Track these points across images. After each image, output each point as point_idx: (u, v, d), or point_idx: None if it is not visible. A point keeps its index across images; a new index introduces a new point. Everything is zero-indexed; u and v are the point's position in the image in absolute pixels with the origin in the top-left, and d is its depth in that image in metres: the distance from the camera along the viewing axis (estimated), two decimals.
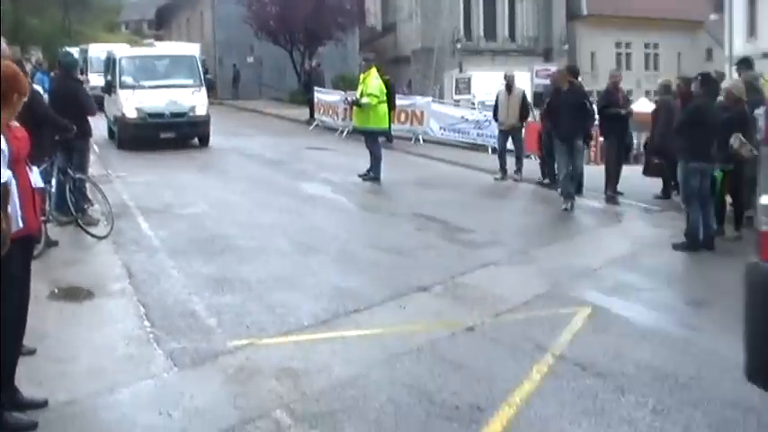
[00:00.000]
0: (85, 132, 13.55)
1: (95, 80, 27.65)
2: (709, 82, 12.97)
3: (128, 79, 24.62)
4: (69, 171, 12.66)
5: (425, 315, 9.04)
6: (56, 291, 9.79)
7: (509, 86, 20.63)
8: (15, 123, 5.98)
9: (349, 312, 9.08)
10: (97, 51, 38.19)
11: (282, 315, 8.94)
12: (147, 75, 25.16)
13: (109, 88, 25.33)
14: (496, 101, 21.24)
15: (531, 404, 6.71)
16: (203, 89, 25.47)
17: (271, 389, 6.93)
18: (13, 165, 5.73)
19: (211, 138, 24.92)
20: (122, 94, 24.11)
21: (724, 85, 14.08)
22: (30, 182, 6.16)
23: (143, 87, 24.42)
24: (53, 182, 12.21)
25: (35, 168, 6.31)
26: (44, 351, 7.55)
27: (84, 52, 40.29)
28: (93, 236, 12.55)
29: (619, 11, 63.78)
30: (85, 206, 13.27)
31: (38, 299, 8.30)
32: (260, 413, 6.46)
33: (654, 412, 6.63)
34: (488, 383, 7.12)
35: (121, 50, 27.20)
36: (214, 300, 9.46)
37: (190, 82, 25.31)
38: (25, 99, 5.99)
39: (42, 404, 6.45)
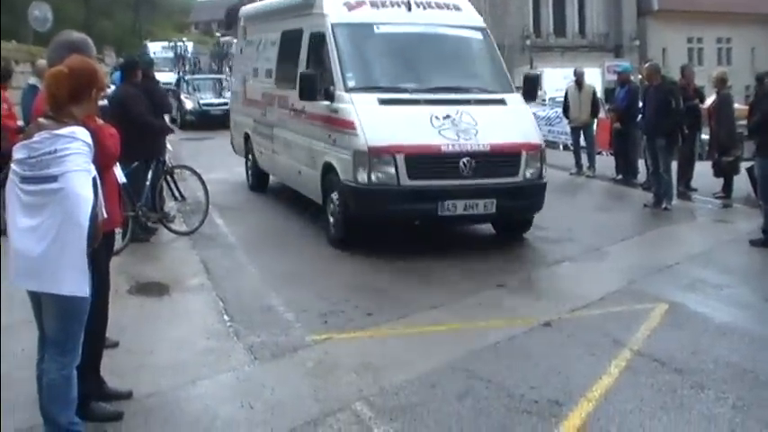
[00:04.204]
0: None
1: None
2: None
3: None
4: (162, 164, 12.90)
5: (502, 311, 9.03)
6: (135, 286, 9.96)
7: (579, 83, 20.55)
8: (101, 121, 6.09)
9: (426, 308, 9.12)
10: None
11: (359, 310, 9.01)
12: None
13: None
14: (566, 97, 21.16)
15: (609, 399, 6.68)
16: None
17: (350, 382, 6.99)
18: (111, 161, 5.89)
19: None
20: None
21: None
22: (116, 178, 6.30)
23: None
24: (149, 177, 12.48)
25: (116, 164, 6.43)
26: (126, 344, 7.69)
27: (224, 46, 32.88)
28: (176, 232, 12.84)
29: (690, 5, 62.97)
30: (178, 198, 13.49)
31: (118, 293, 8.48)
32: (340, 406, 6.52)
33: (734, 408, 6.57)
34: (567, 378, 7.11)
35: None
36: (291, 294, 9.56)
37: None
38: (102, 94, 6.13)
39: (127, 395, 6.58)
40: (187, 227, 13.21)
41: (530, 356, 7.64)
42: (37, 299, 5.43)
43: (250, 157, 17.33)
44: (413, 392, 6.78)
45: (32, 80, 13.54)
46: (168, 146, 14.02)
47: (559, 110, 24.37)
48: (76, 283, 5.17)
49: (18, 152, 5.24)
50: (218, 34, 39.77)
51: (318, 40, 13.04)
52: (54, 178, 5.12)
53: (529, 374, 7.19)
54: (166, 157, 13.22)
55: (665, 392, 6.83)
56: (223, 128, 27.07)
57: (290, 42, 14.62)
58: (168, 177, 13.07)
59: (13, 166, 5.27)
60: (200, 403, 6.69)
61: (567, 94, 21.14)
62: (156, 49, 46.88)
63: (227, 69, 35.85)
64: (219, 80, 33.88)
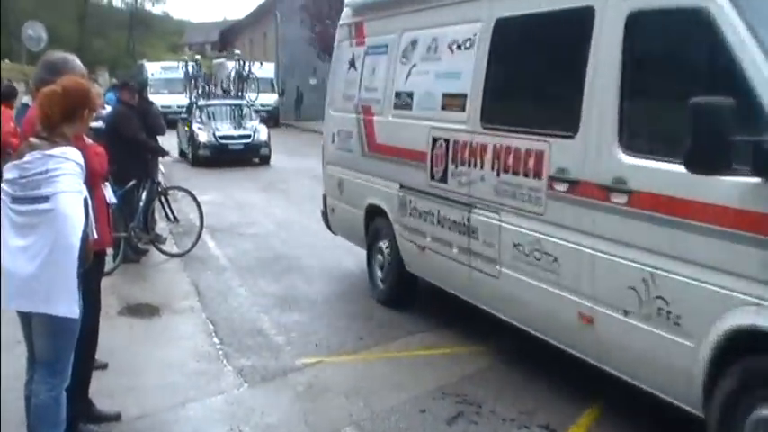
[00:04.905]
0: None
1: None
2: None
3: None
4: (156, 185, 12.90)
5: (493, 335, 8.99)
6: (126, 307, 9.94)
7: None
8: (89, 140, 6.09)
9: (416, 332, 9.11)
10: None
11: (350, 334, 9.01)
12: None
13: None
14: None
15: (601, 424, 6.67)
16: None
17: (340, 406, 6.97)
18: (96, 180, 5.87)
19: (274, 158, 27.09)
20: None
21: None
22: (105, 197, 6.28)
23: None
24: (143, 198, 12.50)
25: (107, 184, 6.42)
26: (116, 366, 7.66)
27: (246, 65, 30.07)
28: (167, 254, 12.85)
29: None
30: (171, 219, 13.49)
31: (108, 315, 8.42)
32: (330, 430, 6.51)
33: None
34: (558, 403, 7.07)
35: None
36: (281, 318, 9.56)
37: None
38: (95, 114, 6.14)
39: (115, 417, 6.56)
40: (179, 248, 13.19)
41: (521, 380, 7.60)
42: (27, 319, 5.40)
43: (383, 248, 10.08)
44: (403, 417, 6.75)
45: (26, 99, 13.56)
46: (161, 167, 14.02)
47: None
48: (68, 305, 5.14)
49: (9, 172, 5.22)
50: (238, 52, 35.98)
51: (668, 32, 5.66)
52: (45, 198, 5.10)
53: (520, 399, 7.15)
54: (159, 178, 13.22)
55: (659, 418, 6.77)
56: (243, 164, 26.58)
57: (527, 42, 7.39)
58: (162, 198, 13.07)
59: (3, 186, 5.25)
60: (188, 426, 6.67)
61: None
62: (154, 69, 46.28)
63: (249, 93, 31.06)
64: (239, 106, 28.81)
